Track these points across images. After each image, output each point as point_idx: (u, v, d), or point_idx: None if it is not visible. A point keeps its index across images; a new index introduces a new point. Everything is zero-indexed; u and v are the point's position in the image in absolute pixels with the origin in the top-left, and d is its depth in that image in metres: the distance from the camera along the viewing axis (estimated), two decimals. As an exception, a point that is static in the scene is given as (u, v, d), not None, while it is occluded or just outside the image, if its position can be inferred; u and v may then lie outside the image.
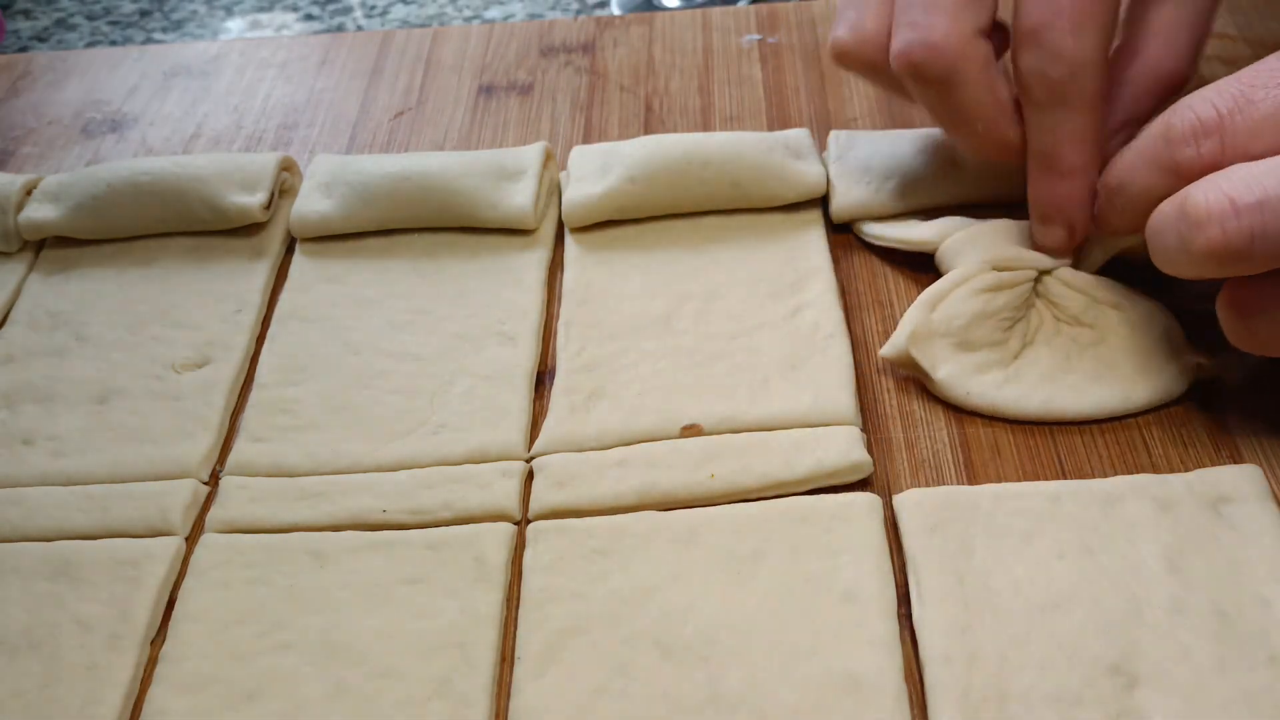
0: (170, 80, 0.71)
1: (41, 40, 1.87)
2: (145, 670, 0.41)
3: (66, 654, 0.41)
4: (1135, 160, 0.42)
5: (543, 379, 0.50)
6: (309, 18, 1.87)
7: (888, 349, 0.47)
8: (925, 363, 0.46)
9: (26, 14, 1.94)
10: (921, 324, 0.46)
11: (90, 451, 0.47)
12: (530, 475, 0.45)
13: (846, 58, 0.47)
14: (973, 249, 0.48)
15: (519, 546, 0.43)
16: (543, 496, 0.44)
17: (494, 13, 1.87)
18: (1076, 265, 0.47)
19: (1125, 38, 0.47)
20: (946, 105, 0.45)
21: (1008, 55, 0.45)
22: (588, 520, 0.43)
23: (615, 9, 1.80)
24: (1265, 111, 0.38)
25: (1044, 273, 0.47)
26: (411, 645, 0.40)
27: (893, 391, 0.47)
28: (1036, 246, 0.47)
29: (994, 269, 0.47)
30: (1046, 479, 0.43)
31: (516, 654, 0.40)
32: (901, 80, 0.45)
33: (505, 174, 0.55)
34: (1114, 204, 0.44)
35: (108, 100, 0.69)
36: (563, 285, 0.53)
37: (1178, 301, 0.46)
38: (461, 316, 0.52)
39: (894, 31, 0.44)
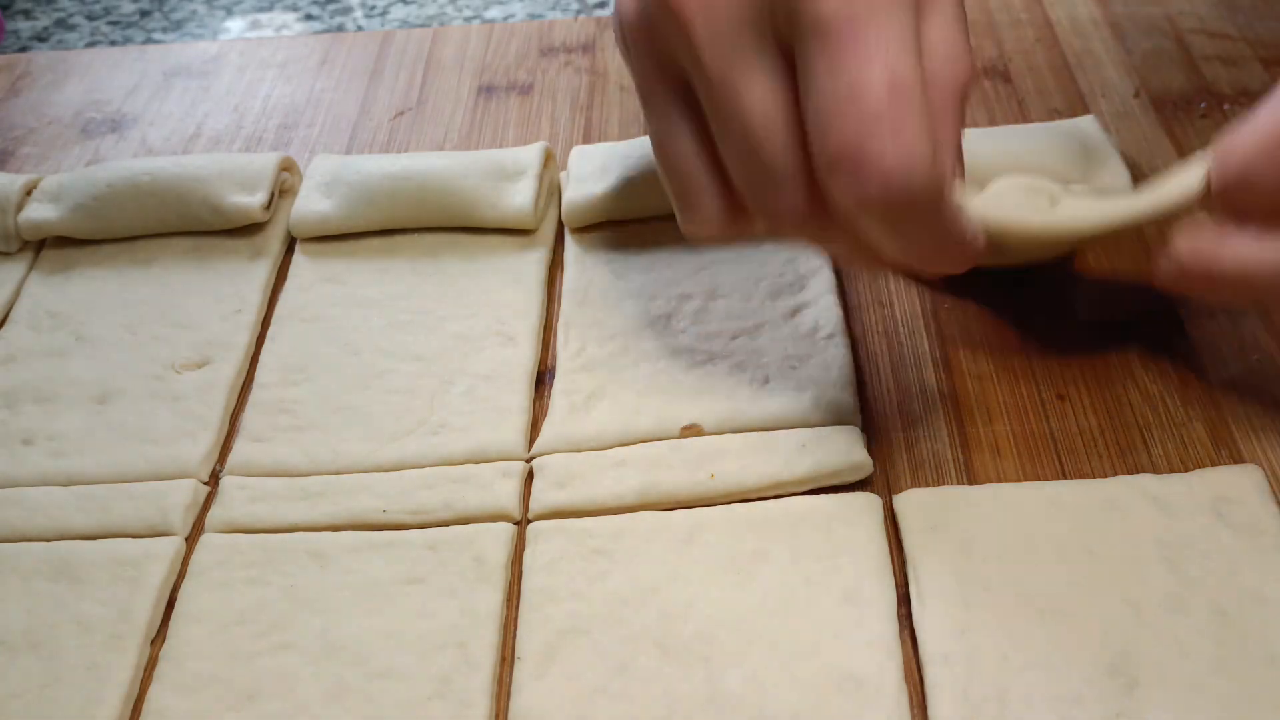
0: (170, 80, 0.71)
1: (41, 40, 1.87)
2: (145, 670, 0.41)
3: (66, 654, 0.41)
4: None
5: (543, 379, 0.50)
6: (309, 18, 1.87)
7: None
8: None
9: (26, 14, 1.94)
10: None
11: (90, 451, 0.47)
12: (530, 475, 0.45)
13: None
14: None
15: (519, 546, 0.43)
16: (543, 496, 0.44)
17: (494, 13, 1.87)
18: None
19: None
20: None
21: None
22: (588, 520, 0.43)
23: (615, 9, 1.80)
24: None
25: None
26: (411, 645, 0.40)
27: (893, 391, 0.47)
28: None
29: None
30: (1046, 479, 0.43)
31: (516, 654, 0.40)
32: None
33: (505, 174, 0.56)
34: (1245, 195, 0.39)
35: (108, 100, 0.69)
36: (563, 285, 0.53)
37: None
38: (461, 316, 0.52)
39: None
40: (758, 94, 0.37)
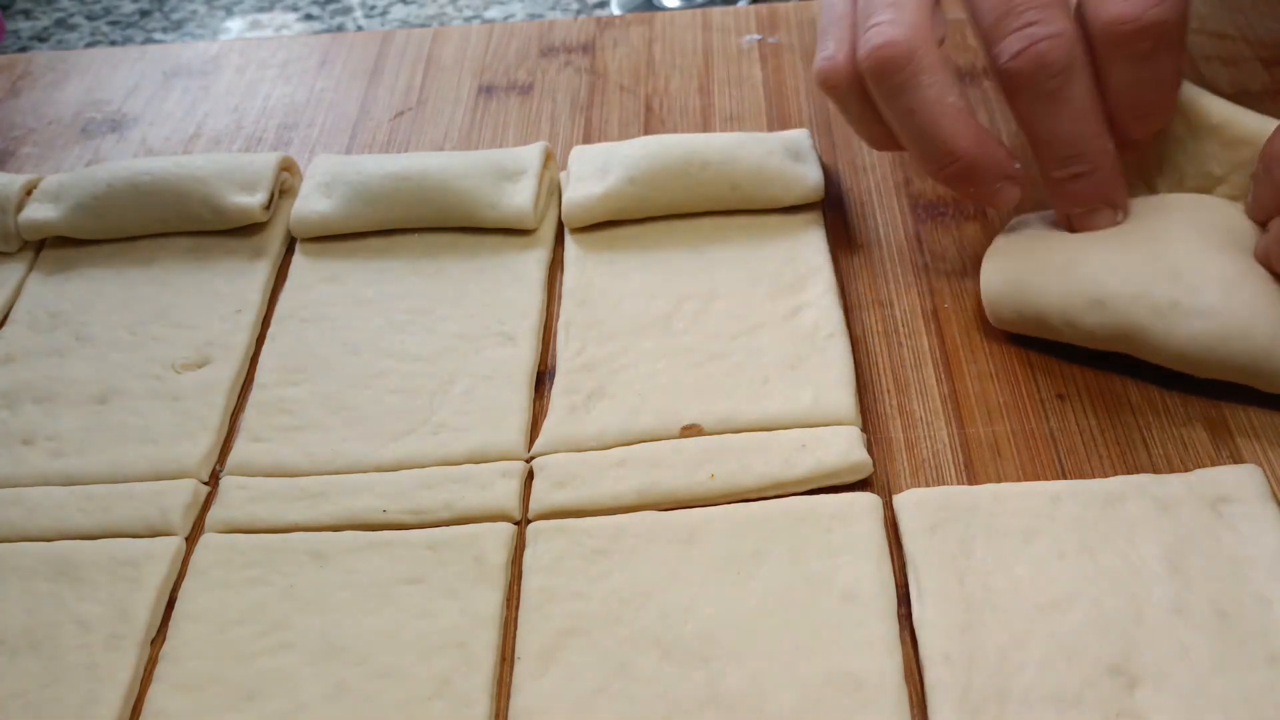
0: (170, 80, 0.71)
1: (41, 40, 1.87)
2: (145, 670, 0.41)
3: (66, 654, 0.41)
4: None
5: (543, 379, 0.50)
6: (309, 18, 1.87)
7: None
8: None
9: (26, 14, 1.94)
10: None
11: (90, 451, 0.47)
12: (530, 475, 0.45)
13: (827, 83, 0.49)
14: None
15: (519, 546, 0.43)
16: (543, 496, 0.44)
17: (494, 13, 1.87)
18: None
19: None
20: (906, 105, 0.46)
21: None
22: (588, 520, 0.43)
23: (615, 9, 1.81)
24: None
25: None
26: (411, 645, 0.40)
27: (893, 392, 0.47)
28: (1081, 228, 0.47)
29: None
30: (1046, 479, 0.43)
31: (516, 654, 0.40)
32: (870, 88, 0.47)
33: (505, 174, 0.56)
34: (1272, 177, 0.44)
35: (108, 100, 0.69)
36: (563, 285, 0.53)
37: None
38: (461, 316, 0.52)
39: (859, 42, 0.46)
40: None
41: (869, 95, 0.47)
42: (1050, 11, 0.44)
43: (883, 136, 0.49)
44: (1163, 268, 0.44)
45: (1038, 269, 0.46)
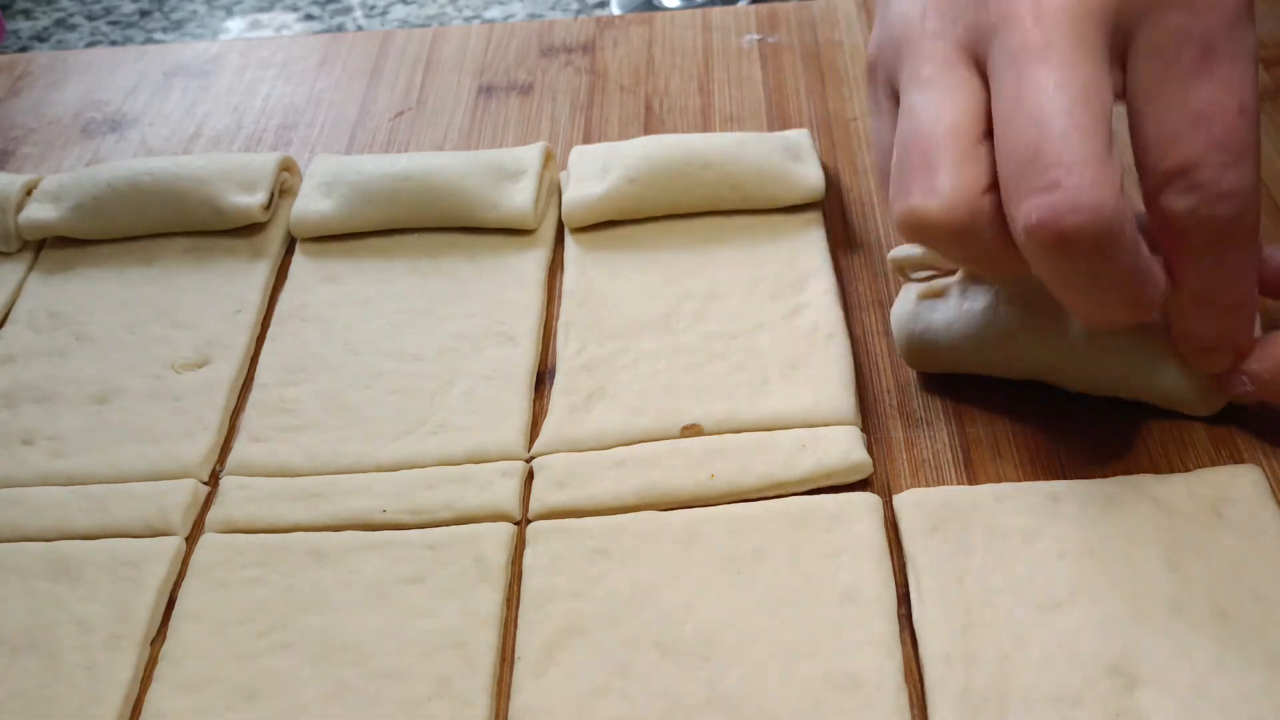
0: (170, 80, 0.71)
1: (41, 40, 1.87)
2: (145, 670, 0.41)
3: (66, 654, 0.41)
4: None
5: (543, 379, 0.50)
6: (309, 18, 1.87)
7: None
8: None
9: (26, 14, 1.94)
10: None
11: (90, 451, 0.47)
12: (530, 475, 0.45)
13: (929, 230, 0.36)
14: None
15: (519, 546, 0.43)
16: (543, 496, 0.44)
17: (494, 13, 1.87)
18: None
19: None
20: (1090, 277, 0.35)
21: None
22: (588, 520, 0.43)
23: (615, 9, 1.81)
24: None
25: None
26: (411, 645, 0.40)
27: (892, 391, 0.47)
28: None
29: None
30: (1046, 479, 0.43)
31: (516, 654, 0.40)
32: (1030, 254, 0.35)
33: (505, 174, 0.56)
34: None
35: (108, 100, 0.69)
36: (563, 285, 0.53)
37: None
38: (461, 316, 0.52)
39: (1019, 194, 0.34)
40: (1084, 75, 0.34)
41: (1001, 241, 0.35)
42: (1088, 170, 0.33)
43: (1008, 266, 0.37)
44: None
45: (949, 344, 0.45)
